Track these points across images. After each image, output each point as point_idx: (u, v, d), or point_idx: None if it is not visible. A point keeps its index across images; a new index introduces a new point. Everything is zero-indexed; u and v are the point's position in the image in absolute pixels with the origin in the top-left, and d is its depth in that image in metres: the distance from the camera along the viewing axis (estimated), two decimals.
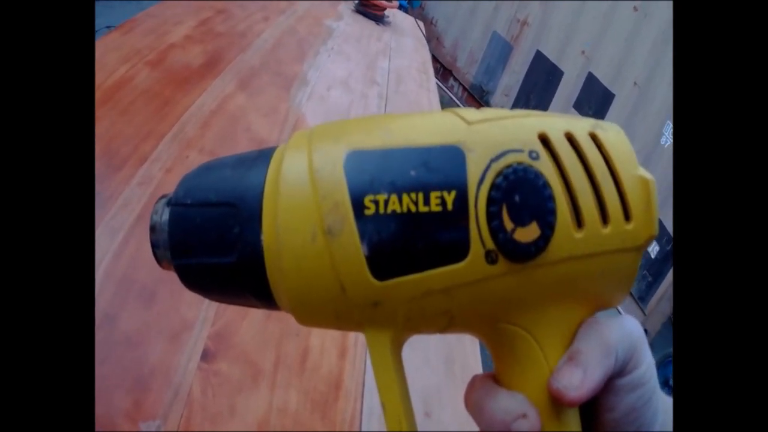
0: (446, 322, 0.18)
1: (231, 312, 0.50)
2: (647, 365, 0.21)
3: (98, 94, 0.71)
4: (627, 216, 0.18)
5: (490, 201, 0.16)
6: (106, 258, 0.51)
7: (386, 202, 0.16)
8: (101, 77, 0.75)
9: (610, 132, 0.19)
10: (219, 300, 0.21)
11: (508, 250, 0.16)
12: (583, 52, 2.41)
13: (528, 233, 0.16)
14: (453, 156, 0.17)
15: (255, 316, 0.51)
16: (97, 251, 0.51)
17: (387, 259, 0.16)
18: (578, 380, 0.18)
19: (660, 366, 1.69)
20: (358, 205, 0.16)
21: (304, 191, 0.17)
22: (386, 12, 1.51)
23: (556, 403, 0.18)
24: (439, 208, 0.16)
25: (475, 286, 0.17)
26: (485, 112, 0.18)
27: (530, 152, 0.17)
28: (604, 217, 0.17)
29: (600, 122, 0.19)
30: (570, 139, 0.18)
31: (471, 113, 0.18)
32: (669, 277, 1.92)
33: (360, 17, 1.46)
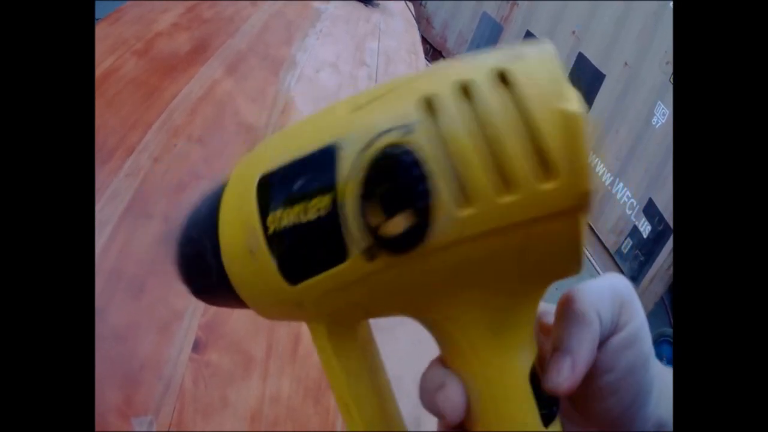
0: (364, 313, 0.18)
1: None
2: (641, 322, 0.19)
3: None
4: (547, 173, 0.14)
5: (361, 197, 0.15)
6: (96, 251, 0.49)
7: (281, 218, 0.16)
8: None
9: (530, 61, 0.15)
10: (222, 305, 0.23)
11: (383, 244, 0.15)
12: (573, 32, 2.36)
13: (401, 223, 0.15)
14: (327, 158, 0.16)
15: None
16: None
17: (292, 267, 0.17)
18: (568, 370, 0.17)
19: (654, 345, 1.68)
20: (264, 225, 0.17)
21: (234, 220, 0.18)
22: None
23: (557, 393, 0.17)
24: (315, 216, 0.16)
25: (366, 283, 0.16)
26: (380, 88, 0.16)
27: (404, 126, 0.15)
28: (506, 183, 0.14)
29: (524, 51, 0.15)
30: (465, 90, 0.14)
31: (365, 95, 0.16)
32: (661, 257, 1.92)
33: None
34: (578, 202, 0.14)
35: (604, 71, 2.23)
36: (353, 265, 0.16)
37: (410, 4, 1.66)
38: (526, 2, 2.54)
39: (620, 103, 2.18)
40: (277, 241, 0.16)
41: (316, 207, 0.16)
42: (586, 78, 2.30)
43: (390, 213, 0.15)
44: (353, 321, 0.19)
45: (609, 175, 2.13)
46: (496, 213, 0.14)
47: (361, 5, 1.41)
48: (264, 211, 0.17)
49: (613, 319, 0.18)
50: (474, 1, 2.77)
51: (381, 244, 0.15)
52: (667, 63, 2.01)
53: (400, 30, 1.42)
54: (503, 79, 0.15)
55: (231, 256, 0.18)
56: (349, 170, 0.15)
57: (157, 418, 0.39)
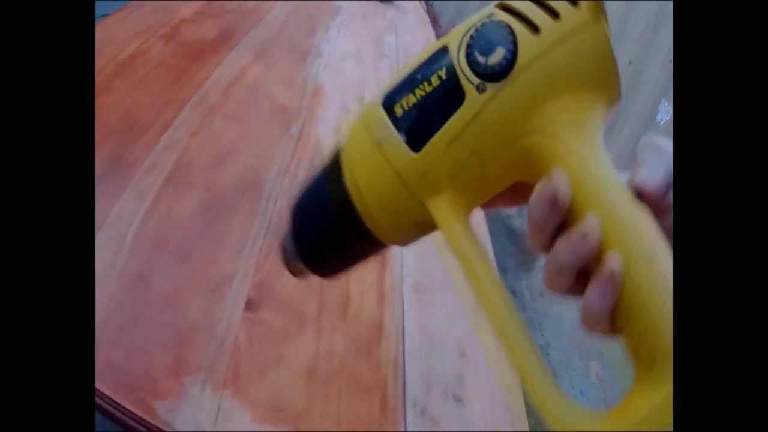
0: (479, 166, 0.22)
1: (270, 263, 0.48)
2: None
3: (111, 67, 0.68)
4: (574, 5, 0.21)
5: (467, 54, 0.21)
6: (136, 220, 0.48)
7: (407, 101, 0.22)
8: (113, 52, 0.71)
9: None
10: (337, 268, 0.27)
11: (488, 74, 0.21)
12: None
13: (498, 56, 0.21)
14: (440, 52, 0.22)
15: None
16: (125, 214, 0.48)
17: (417, 133, 0.22)
18: (646, 175, 0.20)
19: None
20: (391, 112, 0.22)
21: (359, 128, 0.23)
22: None
23: (645, 201, 0.21)
24: (438, 82, 0.22)
25: (483, 115, 0.21)
26: (465, 22, 0.23)
27: (489, 14, 0.22)
28: (555, 15, 0.21)
29: None
30: None
31: (454, 30, 0.23)
32: None
33: None
34: (594, 15, 0.21)
35: None
36: (471, 101, 0.21)
37: (421, 3, 1.67)
38: None
39: (624, 101, 2.14)
40: (405, 118, 0.22)
41: (437, 77, 0.22)
42: None
43: (488, 52, 0.21)
44: (471, 185, 0.22)
45: None
46: (555, 32, 0.21)
47: (376, 3, 1.42)
48: (388, 104, 0.22)
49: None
50: (479, 1, 2.78)
51: (486, 75, 0.21)
52: (671, 62, 2.01)
53: (414, 25, 1.43)
54: None
55: (354, 163, 0.23)
56: (458, 46, 0.22)
57: (211, 375, 0.38)
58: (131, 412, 0.35)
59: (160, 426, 0.35)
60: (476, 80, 0.21)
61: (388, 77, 1.01)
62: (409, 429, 0.39)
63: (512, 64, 0.21)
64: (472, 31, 0.21)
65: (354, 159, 0.23)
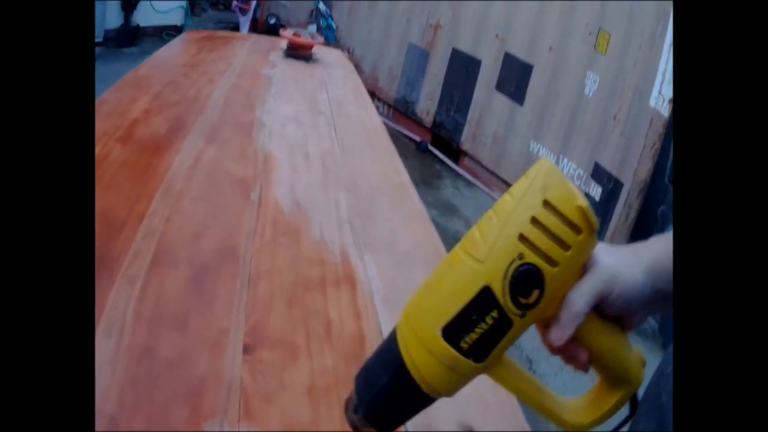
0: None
1: (258, 310, 0.54)
2: (621, 281, 0.31)
3: None
4: (578, 233, 0.29)
5: (511, 299, 0.29)
6: (131, 304, 0.53)
7: (470, 338, 0.30)
8: None
9: (552, 186, 0.29)
10: (398, 425, 0.35)
11: (528, 308, 0.29)
12: (496, 35, 2.52)
13: (534, 296, 0.29)
14: (486, 293, 0.29)
15: (279, 308, 0.55)
16: (120, 299, 0.53)
17: (481, 354, 0.30)
18: (559, 335, 0.31)
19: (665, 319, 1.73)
20: (457, 347, 0.30)
21: (425, 355, 0.31)
22: (313, 50, 1.59)
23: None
24: (492, 321, 0.29)
25: (519, 332, 0.30)
26: (482, 241, 0.29)
27: (519, 255, 0.29)
28: (566, 248, 0.29)
29: (541, 179, 0.29)
30: (534, 221, 0.29)
31: (474, 249, 0.30)
32: (616, 212, 2.00)
33: (291, 60, 1.53)
34: (591, 231, 0.29)
35: (531, 62, 2.38)
36: (516, 326, 0.29)
37: (343, 52, 1.79)
38: (447, 21, 2.68)
39: (552, 85, 2.31)
40: (473, 350, 0.30)
41: (491, 317, 0.29)
42: (516, 73, 2.46)
43: (527, 295, 0.29)
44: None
45: (552, 155, 2.23)
46: (568, 259, 0.29)
47: (303, 63, 1.54)
48: (453, 343, 0.30)
49: (606, 292, 0.31)
50: (399, 35, 2.91)
51: (527, 308, 0.29)
52: (590, 33, 2.17)
53: (341, 78, 1.55)
54: (546, 203, 0.29)
55: (432, 378, 0.31)
56: (501, 290, 0.29)
57: (227, 416, 0.44)
58: None
59: None
60: (519, 312, 0.29)
61: (326, 132, 1.11)
62: None
63: (542, 295, 0.29)
64: (510, 277, 0.29)
65: (424, 371, 0.31)
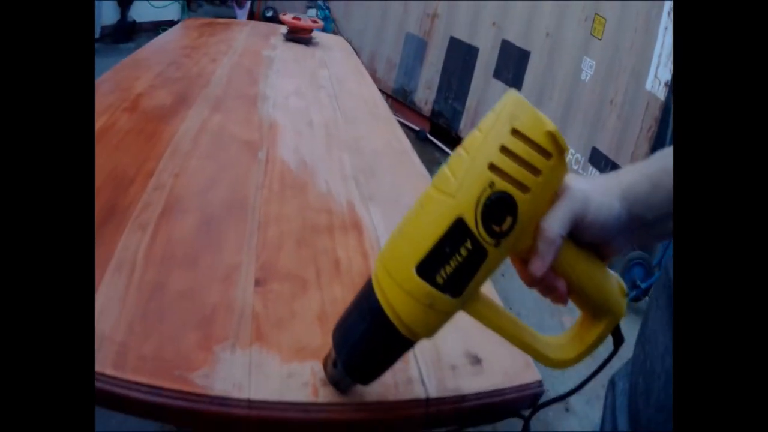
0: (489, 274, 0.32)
1: (268, 250, 0.55)
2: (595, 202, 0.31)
3: None
4: (548, 157, 0.29)
5: (484, 227, 0.29)
6: (142, 247, 0.53)
7: (445, 272, 0.30)
8: None
9: (521, 115, 0.29)
10: (377, 374, 0.37)
11: (502, 234, 0.29)
12: (493, 23, 2.52)
13: (507, 222, 0.29)
14: (459, 225, 0.29)
15: (289, 248, 0.56)
16: (130, 245, 0.53)
17: (460, 287, 0.30)
18: (538, 265, 0.31)
19: (625, 270, 1.75)
20: (433, 282, 0.30)
21: (403, 299, 0.31)
22: (313, 34, 1.60)
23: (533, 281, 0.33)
24: (466, 252, 0.29)
25: (494, 262, 0.30)
26: (452, 176, 0.29)
27: (490, 183, 0.29)
28: (536, 173, 0.28)
29: (508, 108, 0.29)
30: (503, 149, 0.28)
31: (445, 185, 0.29)
32: None
33: (291, 44, 1.54)
34: (562, 157, 0.29)
35: (528, 48, 2.39)
36: (491, 256, 0.29)
37: (343, 37, 1.80)
38: (444, 10, 2.68)
39: (549, 71, 2.31)
40: (448, 284, 0.30)
41: (465, 248, 0.29)
42: (513, 60, 2.47)
43: (501, 221, 0.29)
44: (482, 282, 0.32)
45: None
46: (539, 185, 0.29)
47: (303, 47, 1.55)
48: (428, 279, 0.29)
49: (581, 213, 0.31)
50: (396, 25, 2.90)
51: (501, 237, 0.29)
52: (586, 19, 2.18)
53: (341, 59, 1.56)
54: (514, 131, 0.29)
55: (409, 318, 0.31)
56: (474, 219, 0.28)
57: (238, 340, 0.44)
58: (170, 390, 0.38)
59: (199, 391, 0.38)
60: (493, 241, 0.29)
61: (328, 104, 1.12)
62: None
63: (515, 222, 0.29)
64: (482, 206, 0.28)
65: (401, 312, 0.31)
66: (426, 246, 0.29)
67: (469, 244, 0.29)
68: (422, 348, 0.47)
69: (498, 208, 0.28)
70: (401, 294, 0.30)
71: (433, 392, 0.43)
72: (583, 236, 0.32)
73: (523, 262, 0.32)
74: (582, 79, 2.22)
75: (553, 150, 0.28)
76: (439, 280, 0.29)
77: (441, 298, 0.30)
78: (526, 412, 0.44)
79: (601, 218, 0.31)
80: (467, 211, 0.28)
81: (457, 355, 0.48)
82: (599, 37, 2.14)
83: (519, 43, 2.44)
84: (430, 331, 0.32)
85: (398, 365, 0.45)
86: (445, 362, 0.47)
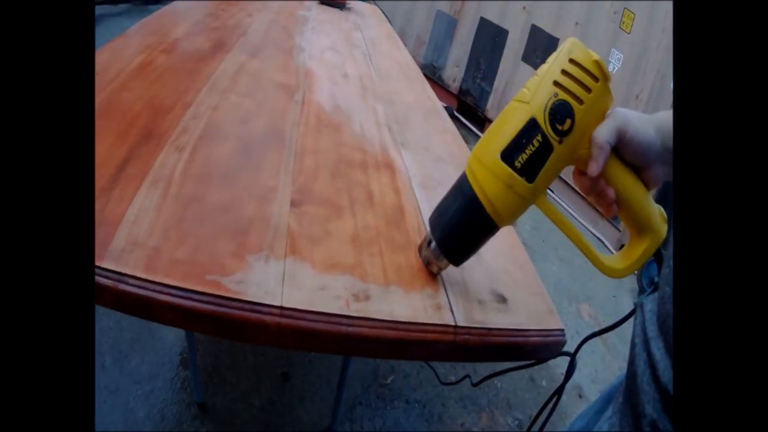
0: (558, 172, 0.39)
1: (304, 176, 0.55)
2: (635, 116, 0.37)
3: (123, 75, 0.73)
4: (596, 80, 0.36)
5: (551, 125, 0.37)
6: (180, 165, 0.53)
7: (522, 157, 0.38)
8: (121, 65, 0.76)
9: (574, 47, 0.38)
10: (469, 255, 0.43)
11: (564, 132, 0.37)
12: (524, 7, 2.48)
13: (567, 124, 0.37)
14: (532, 124, 0.37)
15: (324, 177, 0.56)
16: (167, 164, 0.52)
17: (533, 172, 0.38)
18: (593, 167, 0.37)
19: (643, 268, 1.70)
20: (512, 166, 0.38)
21: (489, 176, 0.39)
22: (347, 2, 1.57)
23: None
24: (538, 144, 0.37)
25: (560, 155, 0.38)
26: (527, 91, 0.38)
27: (554, 94, 0.37)
28: (588, 89, 0.36)
29: (567, 46, 0.38)
30: (563, 72, 0.37)
31: (522, 96, 0.38)
32: None
33: (325, 7, 1.52)
34: (607, 83, 0.37)
35: (557, 36, 2.35)
36: (557, 150, 0.37)
37: (377, 4, 1.78)
38: None
39: None
40: (523, 168, 0.37)
41: (537, 140, 0.37)
42: (542, 46, 2.42)
43: (563, 122, 0.37)
44: (551, 181, 0.39)
45: None
46: (591, 99, 0.37)
47: (337, 10, 1.53)
48: (509, 163, 0.38)
49: (623, 125, 0.36)
50: (427, 3, 2.87)
51: (563, 135, 0.37)
52: (615, 12, 2.13)
53: (374, 24, 1.54)
54: (571, 60, 0.37)
55: (494, 197, 0.38)
56: (544, 120, 0.37)
57: (273, 251, 0.44)
58: (203, 294, 0.37)
59: (232, 296, 0.37)
60: (558, 137, 0.37)
61: (362, 61, 1.10)
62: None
63: (574, 124, 0.37)
64: (549, 110, 0.36)
65: (488, 192, 0.38)
66: (508, 138, 0.37)
67: (539, 137, 0.37)
68: (451, 279, 0.47)
69: (560, 111, 0.36)
70: (488, 175, 0.38)
71: (461, 321, 0.43)
72: (626, 153, 0.37)
73: (581, 173, 0.39)
74: (610, 70, 2.16)
75: (600, 75, 0.37)
76: (518, 164, 0.37)
77: (518, 180, 0.37)
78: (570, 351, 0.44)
79: (639, 137, 0.36)
80: (538, 113, 0.37)
81: (485, 291, 0.48)
82: (628, 31, 2.08)
83: (549, 30, 2.38)
84: (509, 212, 0.39)
85: (427, 292, 0.45)
86: (473, 296, 0.47)
